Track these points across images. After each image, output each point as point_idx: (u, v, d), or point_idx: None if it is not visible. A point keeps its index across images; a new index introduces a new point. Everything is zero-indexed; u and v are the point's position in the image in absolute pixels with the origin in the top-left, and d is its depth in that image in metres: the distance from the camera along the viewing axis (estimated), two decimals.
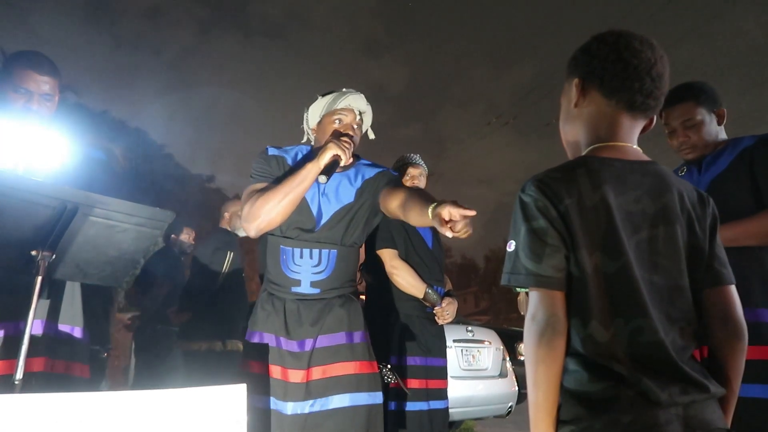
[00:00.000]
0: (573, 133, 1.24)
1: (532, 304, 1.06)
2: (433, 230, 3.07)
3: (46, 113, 1.98)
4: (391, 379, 2.40)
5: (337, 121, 2.04)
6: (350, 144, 1.97)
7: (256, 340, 2.01)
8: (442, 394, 2.82)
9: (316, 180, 1.94)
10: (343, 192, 2.07)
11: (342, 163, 1.96)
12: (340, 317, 2.00)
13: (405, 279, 2.80)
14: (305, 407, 1.89)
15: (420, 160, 3.10)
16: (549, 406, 1.01)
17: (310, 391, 1.91)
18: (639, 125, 1.19)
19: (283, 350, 1.97)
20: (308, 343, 1.96)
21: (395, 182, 2.07)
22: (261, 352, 1.98)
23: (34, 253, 1.57)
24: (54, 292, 1.92)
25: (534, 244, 1.06)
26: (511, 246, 1.10)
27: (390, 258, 2.84)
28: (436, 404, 2.76)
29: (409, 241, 2.89)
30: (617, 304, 1.04)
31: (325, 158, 1.91)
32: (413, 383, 2.70)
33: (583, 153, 1.19)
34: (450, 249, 49.68)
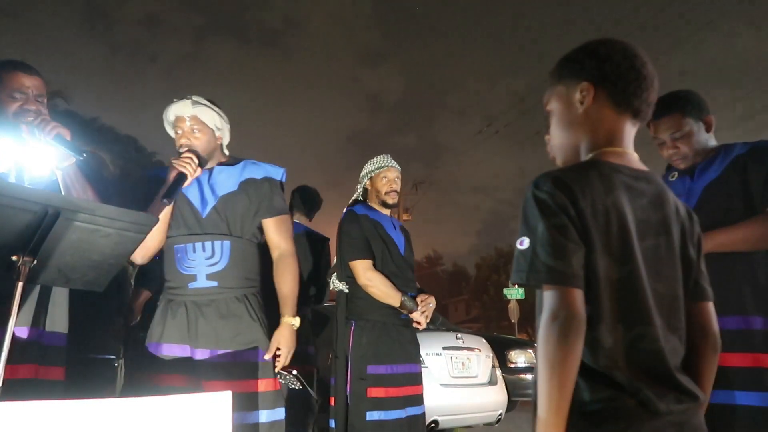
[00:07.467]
0: (573, 138, 1.21)
1: (552, 302, 0.98)
2: (405, 234, 3.06)
3: (45, 112, 1.93)
4: (296, 385, 2.17)
5: (179, 131, 2.10)
6: (189, 157, 2.03)
7: (158, 351, 2.01)
8: (418, 399, 2.83)
9: (197, 179, 2.07)
10: (226, 182, 2.11)
11: (191, 177, 2.02)
12: (234, 329, 1.99)
13: (381, 290, 2.78)
14: None
15: (393, 162, 3.01)
16: (563, 411, 0.96)
17: None
18: (634, 132, 1.20)
19: (187, 359, 1.98)
20: (200, 353, 1.97)
21: (271, 211, 2.13)
22: (168, 364, 1.99)
23: (14, 258, 1.53)
24: (41, 296, 1.89)
25: (556, 241, 1.00)
26: (525, 243, 1.04)
27: (363, 270, 2.79)
28: (413, 410, 2.76)
29: (386, 251, 2.86)
30: (622, 310, 1.03)
31: (168, 181, 1.99)
32: (391, 391, 2.69)
33: (587, 157, 1.17)
34: (441, 257, 49.81)
